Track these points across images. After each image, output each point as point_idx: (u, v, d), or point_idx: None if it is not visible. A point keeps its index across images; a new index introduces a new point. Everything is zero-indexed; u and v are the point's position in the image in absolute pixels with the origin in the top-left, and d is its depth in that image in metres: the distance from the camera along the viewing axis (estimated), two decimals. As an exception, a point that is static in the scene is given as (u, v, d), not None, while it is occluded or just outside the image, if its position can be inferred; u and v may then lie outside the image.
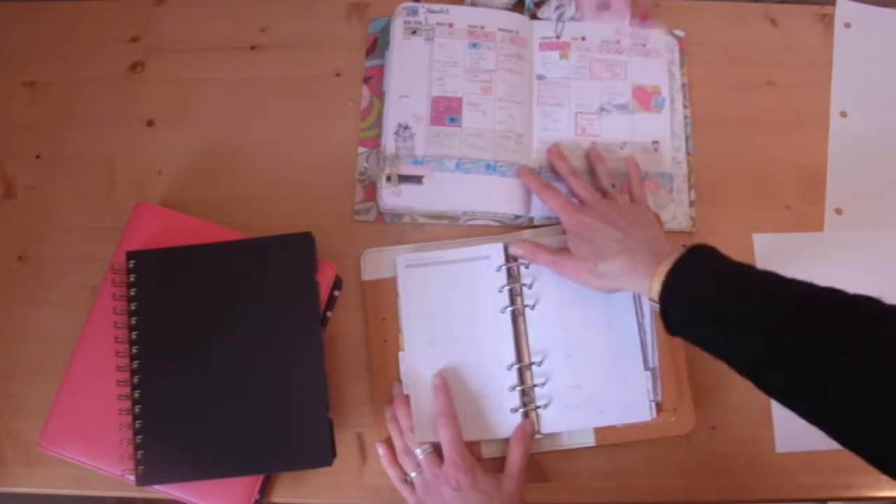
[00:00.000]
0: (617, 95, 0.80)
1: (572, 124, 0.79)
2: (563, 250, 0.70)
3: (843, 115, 0.81)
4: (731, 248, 0.76)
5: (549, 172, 0.77)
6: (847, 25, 0.84)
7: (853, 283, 0.74)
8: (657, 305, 0.61)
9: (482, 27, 0.81)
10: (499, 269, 0.72)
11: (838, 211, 0.78)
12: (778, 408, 0.71)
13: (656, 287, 0.61)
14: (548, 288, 0.71)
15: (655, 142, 0.77)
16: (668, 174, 0.77)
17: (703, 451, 0.71)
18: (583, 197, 0.72)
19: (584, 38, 0.82)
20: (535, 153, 0.78)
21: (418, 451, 0.67)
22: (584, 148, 0.78)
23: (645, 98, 0.79)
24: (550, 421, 0.69)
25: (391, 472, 0.69)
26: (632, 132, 0.78)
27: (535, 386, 0.69)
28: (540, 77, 0.81)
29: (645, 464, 0.70)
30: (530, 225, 0.77)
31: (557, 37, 0.81)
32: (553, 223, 0.77)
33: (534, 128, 0.79)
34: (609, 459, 0.70)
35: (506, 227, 0.77)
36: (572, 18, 0.82)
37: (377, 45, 0.83)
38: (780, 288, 0.57)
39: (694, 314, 0.59)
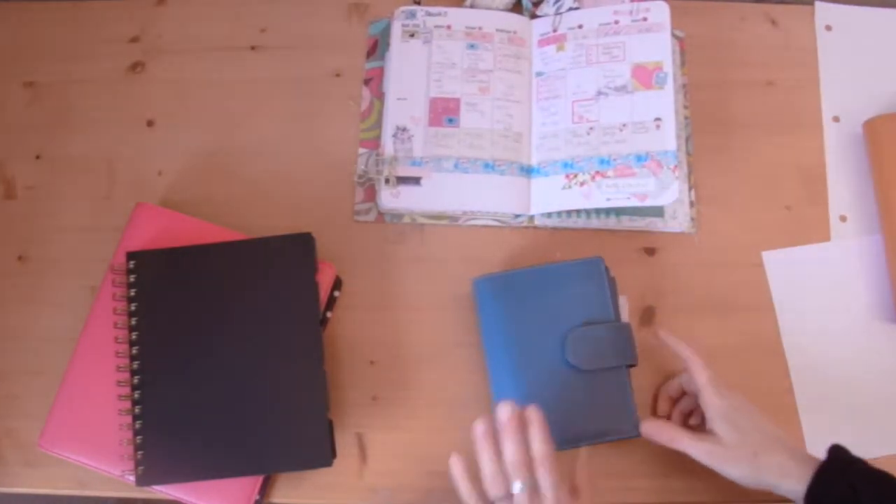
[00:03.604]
0: (615, 78, 0.78)
1: (569, 113, 0.78)
2: (705, 434, 0.65)
3: (836, 119, 0.81)
4: (732, 249, 0.77)
5: (547, 168, 0.77)
6: (828, 28, 0.84)
7: (866, 291, 0.74)
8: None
9: (480, 28, 0.81)
10: None
11: (843, 218, 0.78)
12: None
13: (801, 491, 0.60)
14: None
15: (657, 119, 0.76)
16: (670, 151, 0.75)
17: (703, 452, 0.71)
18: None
19: (580, 27, 0.81)
20: (535, 150, 0.78)
21: (518, 485, 0.57)
22: (581, 136, 0.77)
23: (645, 76, 0.78)
24: None
25: (462, 489, 0.59)
26: (632, 113, 0.77)
27: None
28: (539, 74, 0.81)
29: (645, 464, 0.70)
30: (530, 224, 0.77)
31: (554, 30, 0.81)
32: (555, 225, 0.77)
33: (533, 125, 0.79)
34: (609, 460, 0.70)
35: (507, 227, 0.78)
36: (570, 9, 0.81)
37: (377, 47, 0.83)
38: None
39: None
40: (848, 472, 0.59)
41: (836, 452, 0.61)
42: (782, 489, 0.61)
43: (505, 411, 0.59)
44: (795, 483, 0.60)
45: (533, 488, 0.57)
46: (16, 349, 0.75)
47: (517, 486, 0.57)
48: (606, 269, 0.71)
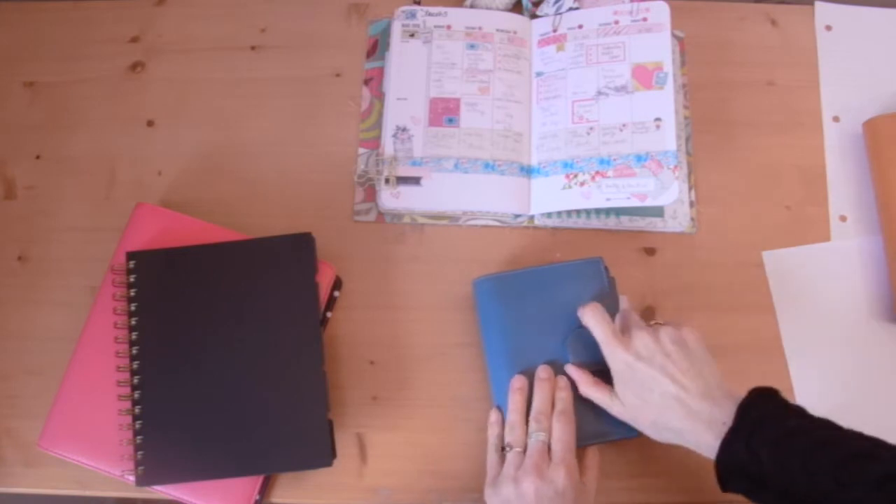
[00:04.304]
0: (615, 78, 0.78)
1: (569, 113, 0.78)
2: (610, 393, 0.64)
3: (836, 119, 0.81)
4: (732, 249, 0.77)
5: (547, 168, 0.77)
6: (828, 28, 0.84)
7: (866, 291, 0.75)
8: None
9: (480, 28, 0.81)
10: None
11: (843, 218, 0.78)
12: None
13: (713, 450, 0.57)
14: None
15: (657, 119, 0.76)
16: (670, 151, 0.74)
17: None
18: (629, 336, 0.64)
19: (580, 27, 0.81)
20: (535, 150, 0.78)
21: (538, 435, 0.63)
22: (581, 136, 0.77)
23: (645, 76, 0.78)
24: None
25: (491, 434, 0.67)
26: (632, 113, 0.77)
27: None
28: (539, 74, 0.81)
29: (645, 464, 0.70)
30: (530, 224, 0.77)
31: (554, 30, 0.81)
32: (555, 225, 0.77)
33: (533, 125, 0.79)
34: (609, 459, 0.70)
35: (507, 227, 0.78)
36: (570, 9, 0.81)
37: (377, 47, 0.83)
38: (855, 462, 0.53)
39: (755, 486, 0.56)
40: (752, 440, 0.56)
41: (742, 416, 0.57)
42: (688, 446, 0.60)
43: (545, 370, 0.67)
44: (696, 439, 0.59)
45: (546, 443, 0.63)
46: (16, 349, 0.75)
47: (536, 437, 0.63)
48: (606, 268, 0.71)
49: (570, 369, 0.67)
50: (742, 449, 0.56)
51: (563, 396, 0.66)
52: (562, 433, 0.63)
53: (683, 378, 0.60)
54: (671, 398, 0.60)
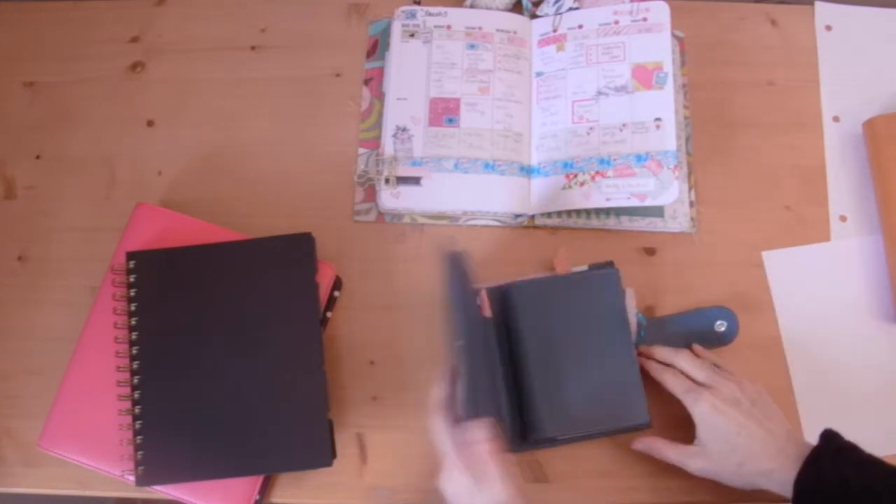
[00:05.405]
0: (615, 78, 0.78)
1: (569, 113, 0.78)
2: (691, 447, 0.65)
3: (836, 119, 0.81)
4: (732, 249, 0.77)
5: (547, 168, 0.77)
6: (828, 28, 0.84)
7: (866, 291, 0.75)
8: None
9: (480, 28, 0.81)
10: None
11: (843, 218, 0.78)
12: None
13: (791, 480, 0.60)
14: None
15: (657, 119, 0.76)
16: (670, 151, 0.74)
17: (703, 452, 0.71)
18: (701, 380, 0.66)
19: (580, 27, 0.81)
20: (535, 150, 0.78)
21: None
22: (581, 136, 0.77)
23: (645, 76, 0.78)
24: None
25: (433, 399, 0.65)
26: (632, 113, 0.77)
27: None
28: (539, 74, 0.81)
29: (645, 464, 0.70)
30: (530, 224, 0.77)
31: (554, 30, 0.81)
32: (555, 225, 0.77)
33: (533, 125, 0.79)
34: (609, 459, 0.70)
35: (507, 227, 0.78)
36: (570, 9, 0.81)
37: (377, 47, 0.83)
38: None
39: None
40: (838, 461, 0.59)
41: (827, 441, 0.61)
42: (772, 487, 0.62)
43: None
44: (783, 477, 0.61)
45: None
46: (16, 349, 0.75)
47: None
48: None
49: (641, 443, 0.68)
50: (828, 468, 0.59)
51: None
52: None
53: (769, 422, 0.63)
54: (759, 441, 0.62)
